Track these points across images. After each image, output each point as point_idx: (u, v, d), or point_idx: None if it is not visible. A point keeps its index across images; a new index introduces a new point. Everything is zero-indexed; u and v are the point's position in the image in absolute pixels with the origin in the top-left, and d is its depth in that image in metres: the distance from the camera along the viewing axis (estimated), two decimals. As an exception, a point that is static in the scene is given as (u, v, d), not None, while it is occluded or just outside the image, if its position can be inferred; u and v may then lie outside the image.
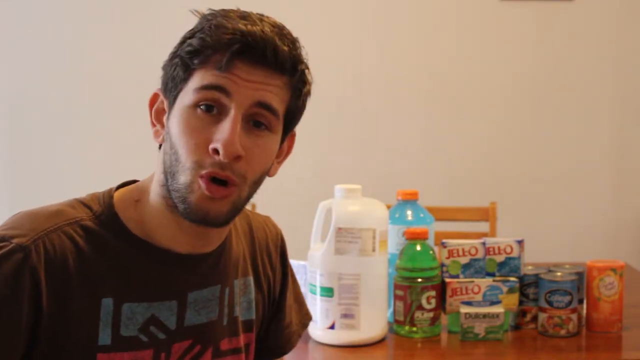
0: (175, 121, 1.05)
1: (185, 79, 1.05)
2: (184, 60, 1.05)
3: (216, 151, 1.02)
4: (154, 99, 1.12)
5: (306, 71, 1.10)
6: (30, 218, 1.05)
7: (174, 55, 1.07)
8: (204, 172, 1.03)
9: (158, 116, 1.11)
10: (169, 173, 1.05)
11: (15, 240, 1.01)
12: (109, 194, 1.11)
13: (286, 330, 1.34)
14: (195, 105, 1.04)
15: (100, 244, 1.06)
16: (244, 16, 1.05)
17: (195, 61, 1.04)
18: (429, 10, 3.56)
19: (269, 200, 3.31)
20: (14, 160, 3.56)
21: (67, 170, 3.50)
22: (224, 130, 1.02)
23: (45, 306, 1.01)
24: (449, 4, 3.56)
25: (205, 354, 1.15)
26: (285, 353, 1.35)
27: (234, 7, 1.09)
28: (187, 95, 1.04)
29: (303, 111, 1.14)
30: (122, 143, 3.44)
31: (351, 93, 3.58)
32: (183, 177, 1.03)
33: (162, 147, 1.09)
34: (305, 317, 1.39)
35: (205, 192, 1.03)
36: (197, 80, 1.04)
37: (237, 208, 1.08)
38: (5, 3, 3.49)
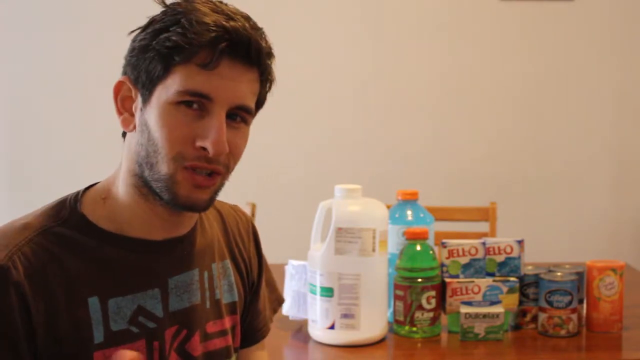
0: (154, 115, 1.06)
1: (164, 75, 1.05)
2: (163, 55, 1.05)
3: (204, 148, 1.05)
4: (119, 87, 1.11)
5: (273, 63, 1.14)
6: (0, 236, 1.05)
7: (146, 47, 1.06)
8: (187, 163, 1.06)
9: (124, 104, 1.11)
10: (145, 164, 1.07)
11: None
12: (76, 198, 1.11)
13: (261, 315, 1.36)
14: (177, 103, 1.05)
15: (73, 247, 1.07)
16: (217, 9, 1.07)
17: (177, 58, 1.04)
18: (428, 10, 3.56)
19: (269, 200, 3.31)
20: (14, 161, 3.57)
21: (67, 171, 3.50)
22: (212, 130, 1.05)
23: (35, 317, 1.02)
24: (449, 4, 3.57)
25: (194, 337, 1.16)
26: (263, 337, 1.38)
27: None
28: (168, 92, 1.05)
29: (264, 103, 1.17)
30: (120, 143, 3.43)
31: (351, 93, 3.58)
32: (165, 168, 1.06)
33: (132, 138, 1.10)
34: (275, 303, 1.42)
35: (192, 183, 1.06)
36: (179, 79, 1.05)
37: (217, 194, 1.12)
38: (4, 5, 3.49)
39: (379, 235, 1.79)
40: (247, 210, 2.85)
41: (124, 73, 1.11)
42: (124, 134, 1.14)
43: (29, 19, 3.50)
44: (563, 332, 1.83)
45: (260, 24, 1.11)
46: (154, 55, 1.05)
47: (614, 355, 1.80)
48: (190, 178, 1.06)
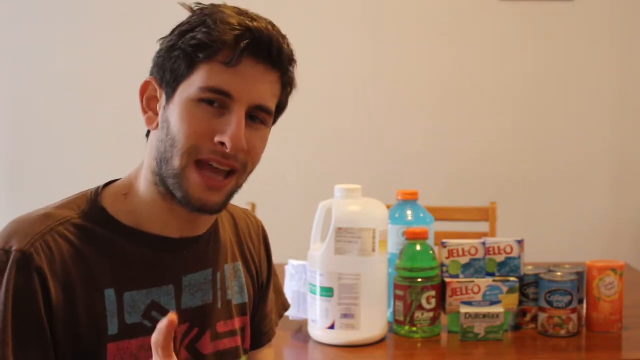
0: (176, 111, 1.08)
1: (188, 73, 1.08)
2: (188, 54, 1.07)
3: (222, 144, 1.07)
4: (145, 87, 1.13)
5: (295, 69, 1.16)
6: (20, 225, 1.07)
7: (173, 47, 1.09)
8: (201, 157, 1.07)
9: (150, 104, 1.13)
10: (162, 160, 1.09)
11: (15, 248, 1.03)
12: (97, 192, 1.13)
13: (268, 319, 1.37)
14: (199, 100, 1.07)
15: (93, 239, 1.09)
16: (242, 12, 1.09)
17: (201, 55, 1.06)
18: (428, 10, 3.56)
19: (269, 201, 3.31)
20: (14, 161, 3.57)
21: (67, 171, 3.50)
22: (231, 125, 1.06)
23: (55, 305, 1.04)
24: (449, 4, 3.57)
25: (204, 336, 1.18)
26: (269, 341, 1.38)
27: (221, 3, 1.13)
28: (191, 89, 1.07)
29: (286, 108, 1.19)
30: (124, 142, 3.44)
31: (351, 93, 3.58)
32: (177, 161, 1.07)
33: (154, 135, 1.12)
34: (282, 308, 1.43)
35: (205, 185, 1.08)
36: (202, 76, 1.07)
37: (232, 196, 1.14)
38: (5, 5, 3.49)
39: (379, 235, 1.79)
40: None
41: (151, 74, 1.13)
42: (147, 134, 1.16)
43: (29, 18, 3.50)
44: (563, 332, 1.83)
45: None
46: (179, 54, 1.08)
47: (614, 355, 1.80)
48: (203, 180, 1.07)
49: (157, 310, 1.11)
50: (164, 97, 1.11)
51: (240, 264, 1.27)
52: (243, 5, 1.13)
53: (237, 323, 1.24)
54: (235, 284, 1.25)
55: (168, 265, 1.13)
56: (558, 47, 3.58)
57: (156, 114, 1.12)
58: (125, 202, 1.12)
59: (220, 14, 1.08)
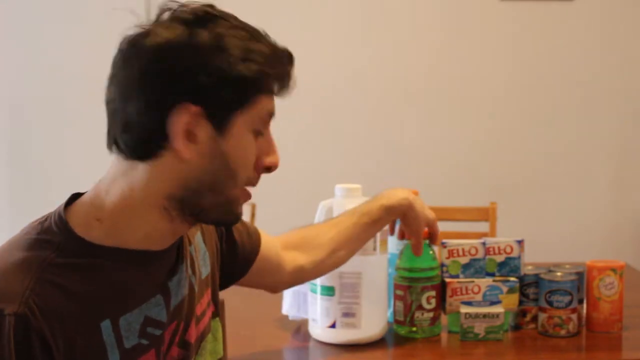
0: (235, 144, 1.06)
1: (242, 103, 1.05)
2: (245, 85, 1.05)
3: (269, 169, 1.12)
4: (188, 117, 1.03)
5: None
6: (3, 281, 1.00)
7: (223, 73, 1.03)
8: (254, 182, 1.11)
9: (190, 134, 1.04)
10: (208, 190, 1.07)
11: (7, 312, 0.96)
12: (61, 220, 1.06)
13: (246, 233, 1.44)
14: (257, 131, 1.09)
15: (79, 274, 1.03)
16: (266, 34, 1.10)
17: (259, 87, 1.07)
18: (428, 10, 3.57)
19: (269, 200, 3.32)
20: (14, 160, 3.57)
21: (67, 170, 3.50)
22: (272, 148, 1.12)
23: (56, 357, 0.99)
24: (449, 4, 3.57)
25: (190, 326, 1.17)
26: (259, 238, 1.47)
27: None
28: (250, 121, 1.07)
29: None
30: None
31: (350, 93, 3.58)
32: (234, 192, 1.09)
33: (183, 164, 1.05)
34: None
35: (246, 200, 1.12)
36: (262, 109, 1.08)
37: None
38: (5, 4, 3.49)
39: (379, 234, 1.79)
40: (247, 211, 2.85)
41: (188, 98, 1.03)
42: (138, 156, 1.06)
43: (30, 17, 3.50)
44: (563, 332, 1.83)
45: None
46: (229, 82, 1.04)
47: (614, 355, 1.80)
48: (247, 196, 1.12)
49: (151, 325, 1.09)
50: (210, 127, 1.04)
51: (198, 235, 1.26)
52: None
53: (208, 295, 1.24)
54: (200, 258, 1.25)
55: (154, 276, 1.11)
56: (558, 47, 3.58)
57: (191, 142, 1.04)
58: (102, 226, 1.06)
59: (260, 39, 1.07)
